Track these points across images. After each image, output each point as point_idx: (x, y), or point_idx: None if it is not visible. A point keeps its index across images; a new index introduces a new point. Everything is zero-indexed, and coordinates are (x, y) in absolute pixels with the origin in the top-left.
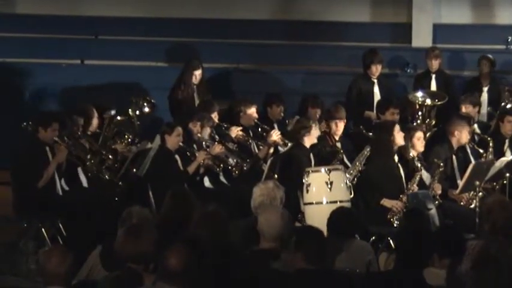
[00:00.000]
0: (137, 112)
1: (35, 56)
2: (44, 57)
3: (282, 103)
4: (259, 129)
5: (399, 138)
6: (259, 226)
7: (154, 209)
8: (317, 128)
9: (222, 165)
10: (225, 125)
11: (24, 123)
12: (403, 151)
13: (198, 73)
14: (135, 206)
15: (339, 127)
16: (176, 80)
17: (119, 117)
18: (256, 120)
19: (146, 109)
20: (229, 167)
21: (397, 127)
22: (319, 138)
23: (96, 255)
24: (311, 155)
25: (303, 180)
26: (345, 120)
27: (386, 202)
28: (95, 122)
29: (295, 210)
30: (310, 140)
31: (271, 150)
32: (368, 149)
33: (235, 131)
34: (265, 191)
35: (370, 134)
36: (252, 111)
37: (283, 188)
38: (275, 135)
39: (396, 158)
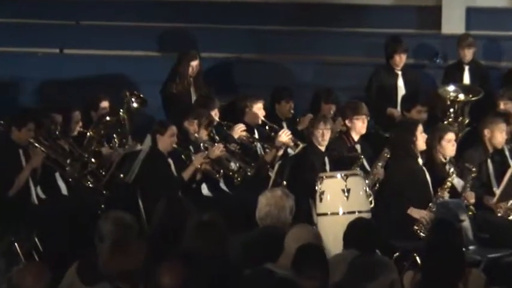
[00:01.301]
0: (125, 107)
1: (7, 44)
2: (17, 45)
3: (291, 98)
4: (266, 129)
5: (421, 141)
6: (285, 240)
7: (145, 220)
8: (329, 126)
9: (222, 171)
10: (227, 124)
11: None
12: (432, 154)
13: (195, 64)
14: (114, 211)
15: (364, 124)
16: (170, 72)
17: (108, 118)
18: (262, 118)
19: (135, 104)
20: (231, 173)
21: (420, 128)
22: (335, 139)
23: (73, 271)
24: (326, 158)
25: (316, 188)
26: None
27: (414, 212)
28: (77, 120)
29: (307, 222)
30: (323, 142)
31: (280, 153)
32: (386, 151)
33: (239, 131)
34: (272, 200)
35: (387, 135)
36: (259, 107)
37: (293, 197)
38: (284, 135)
39: (420, 161)
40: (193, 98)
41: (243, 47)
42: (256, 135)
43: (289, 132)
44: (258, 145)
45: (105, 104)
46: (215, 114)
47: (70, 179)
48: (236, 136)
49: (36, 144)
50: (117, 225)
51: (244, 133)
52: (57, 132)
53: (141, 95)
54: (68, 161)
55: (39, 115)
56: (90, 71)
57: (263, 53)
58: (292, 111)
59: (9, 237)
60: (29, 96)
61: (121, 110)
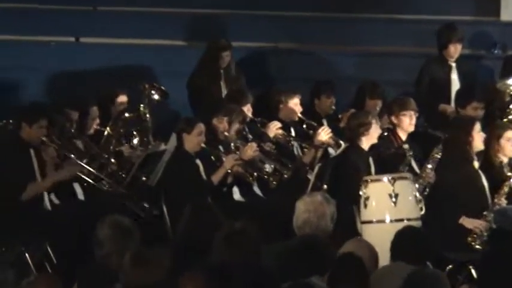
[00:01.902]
0: (145, 101)
1: (17, 32)
2: (29, 33)
3: (332, 93)
4: (304, 126)
5: (478, 140)
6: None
7: (169, 228)
8: (378, 124)
9: (256, 173)
10: (261, 121)
11: (4, 121)
12: (489, 155)
13: (225, 55)
14: (111, 215)
15: (412, 121)
16: (198, 63)
17: (127, 114)
18: (300, 115)
19: (156, 96)
20: (266, 176)
21: (477, 126)
22: (380, 137)
23: None
24: (370, 159)
25: (360, 192)
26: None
27: (466, 221)
28: (94, 117)
29: (350, 231)
30: (369, 140)
31: (319, 153)
32: (437, 151)
33: (274, 129)
34: (311, 206)
35: (438, 134)
36: (295, 102)
37: (335, 202)
38: (324, 133)
39: (476, 163)
40: (224, 92)
41: (279, 35)
42: (293, 134)
43: (330, 130)
44: (296, 145)
45: (122, 98)
46: (248, 110)
47: (87, 182)
48: (271, 135)
49: (49, 143)
50: (115, 228)
51: (280, 131)
52: (72, 130)
53: (162, 87)
54: (85, 162)
55: (53, 111)
56: (108, 62)
57: (301, 43)
58: (333, 107)
59: (19, 247)
60: (41, 89)
61: (141, 105)
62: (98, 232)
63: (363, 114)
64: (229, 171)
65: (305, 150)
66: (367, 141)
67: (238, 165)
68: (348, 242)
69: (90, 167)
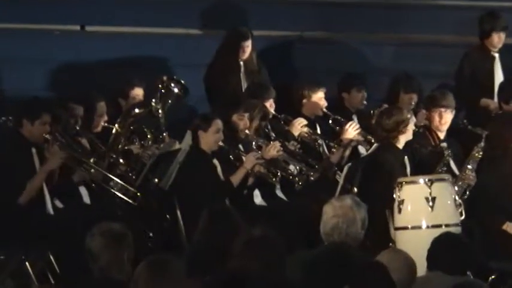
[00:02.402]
0: (157, 96)
1: (17, 20)
2: (29, 21)
3: (364, 86)
4: (331, 122)
5: None
6: None
7: (184, 235)
8: (412, 119)
9: (279, 174)
10: (285, 117)
11: (3, 118)
12: None
13: (246, 45)
14: (99, 224)
15: (444, 118)
16: (215, 54)
17: (137, 110)
18: (325, 109)
19: (175, 90)
20: (290, 177)
21: None
22: (415, 135)
23: None
24: (406, 158)
25: (394, 196)
26: (454, 110)
27: (510, 227)
28: (101, 113)
29: (383, 238)
30: (404, 137)
31: (348, 152)
32: (478, 151)
33: (299, 127)
34: (340, 211)
35: (479, 130)
36: (319, 97)
37: (366, 207)
38: (351, 129)
39: None
40: (244, 86)
41: (305, 23)
42: (318, 131)
43: (358, 126)
44: (322, 143)
45: (138, 91)
46: (270, 105)
47: (93, 184)
48: (296, 133)
49: (53, 141)
50: (107, 237)
51: (305, 129)
52: (77, 127)
53: (182, 81)
54: (91, 162)
55: (56, 106)
56: (117, 53)
57: (329, 31)
58: (364, 101)
59: (19, 255)
60: (44, 82)
61: (153, 100)
62: (90, 246)
63: (398, 111)
64: (249, 171)
65: (333, 149)
66: (403, 139)
67: (260, 166)
68: (382, 252)
69: (98, 166)
